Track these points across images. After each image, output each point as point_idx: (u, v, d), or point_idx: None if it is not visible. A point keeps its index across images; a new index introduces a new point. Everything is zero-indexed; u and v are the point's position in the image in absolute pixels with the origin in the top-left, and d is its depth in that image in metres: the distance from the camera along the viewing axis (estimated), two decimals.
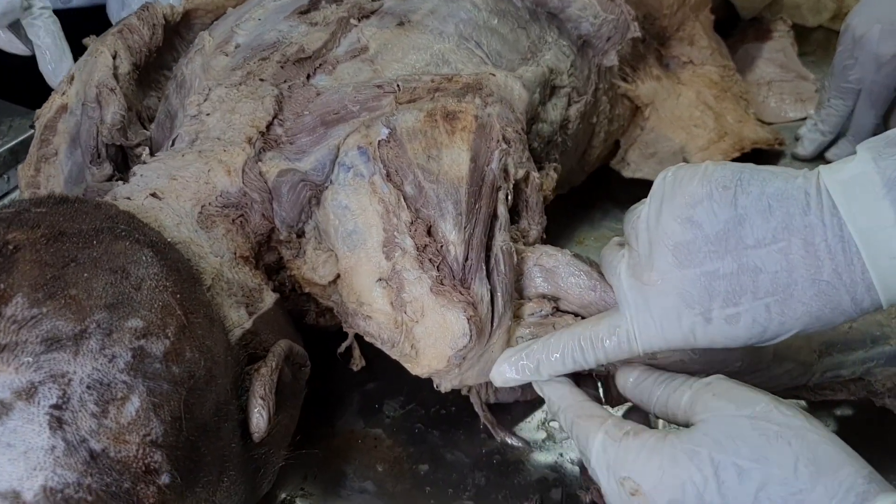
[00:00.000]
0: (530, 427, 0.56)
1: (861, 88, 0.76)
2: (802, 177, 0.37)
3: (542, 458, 0.53)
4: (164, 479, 0.33)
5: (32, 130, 0.63)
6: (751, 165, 0.39)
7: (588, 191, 0.76)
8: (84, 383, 0.32)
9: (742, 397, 0.38)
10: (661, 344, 0.41)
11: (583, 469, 0.52)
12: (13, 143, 0.81)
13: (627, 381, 0.45)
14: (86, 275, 0.35)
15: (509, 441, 0.54)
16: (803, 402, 0.53)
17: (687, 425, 0.39)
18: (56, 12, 0.80)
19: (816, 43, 0.99)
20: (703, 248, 0.38)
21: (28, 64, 0.81)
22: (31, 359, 0.31)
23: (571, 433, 0.42)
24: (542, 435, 0.55)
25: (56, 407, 0.31)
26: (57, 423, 0.31)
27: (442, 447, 0.54)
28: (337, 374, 0.57)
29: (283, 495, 0.51)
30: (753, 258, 0.37)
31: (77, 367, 0.32)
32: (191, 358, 0.36)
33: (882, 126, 0.79)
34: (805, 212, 0.36)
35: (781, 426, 0.35)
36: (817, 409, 0.54)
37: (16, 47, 0.79)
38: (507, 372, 0.47)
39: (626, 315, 0.42)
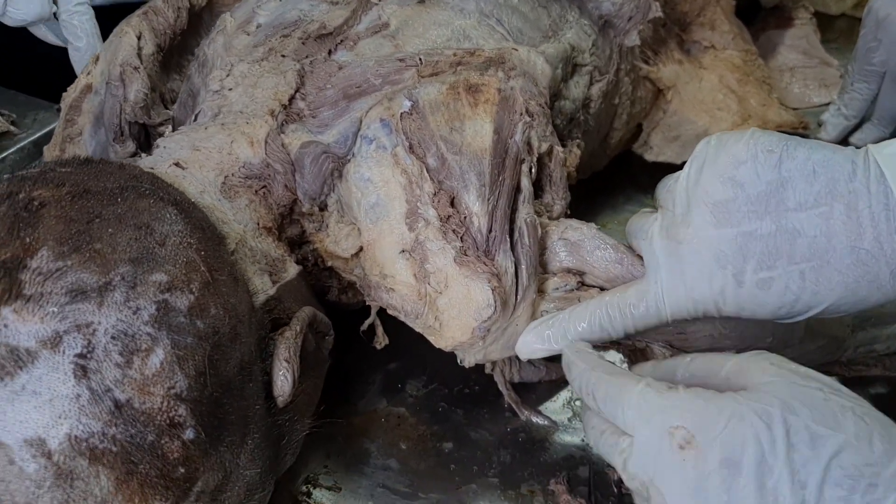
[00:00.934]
0: (555, 406, 0.55)
1: (885, 71, 0.75)
2: (851, 150, 0.37)
3: (569, 436, 0.52)
4: (189, 434, 0.33)
5: (55, 124, 0.63)
6: (797, 137, 0.38)
7: (610, 175, 0.75)
8: (108, 334, 0.32)
9: (805, 371, 0.35)
10: (689, 306, 0.40)
11: None
12: (37, 135, 0.82)
13: (645, 366, 0.42)
14: (110, 230, 0.35)
15: (534, 419, 0.53)
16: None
17: None
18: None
19: (839, 31, 0.97)
20: (743, 208, 0.37)
21: (53, 58, 0.82)
22: (56, 308, 0.31)
23: (596, 393, 0.38)
24: (567, 414, 0.54)
25: (81, 356, 0.31)
26: (82, 372, 0.31)
27: (466, 425, 0.53)
28: (359, 354, 0.57)
29: (307, 473, 0.50)
30: (793, 221, 0.36)
31: (102, 317, 0.32)
32: (215, 314, 0.36)
33: None
34: (851, 178, 0.36)
35: (854, 403, 0.33)
36: (851, 385, 0.51)
37: (53, 39, 0.80)
38: (532, 342, 0.46)
39: (654, 279, 0.41)
